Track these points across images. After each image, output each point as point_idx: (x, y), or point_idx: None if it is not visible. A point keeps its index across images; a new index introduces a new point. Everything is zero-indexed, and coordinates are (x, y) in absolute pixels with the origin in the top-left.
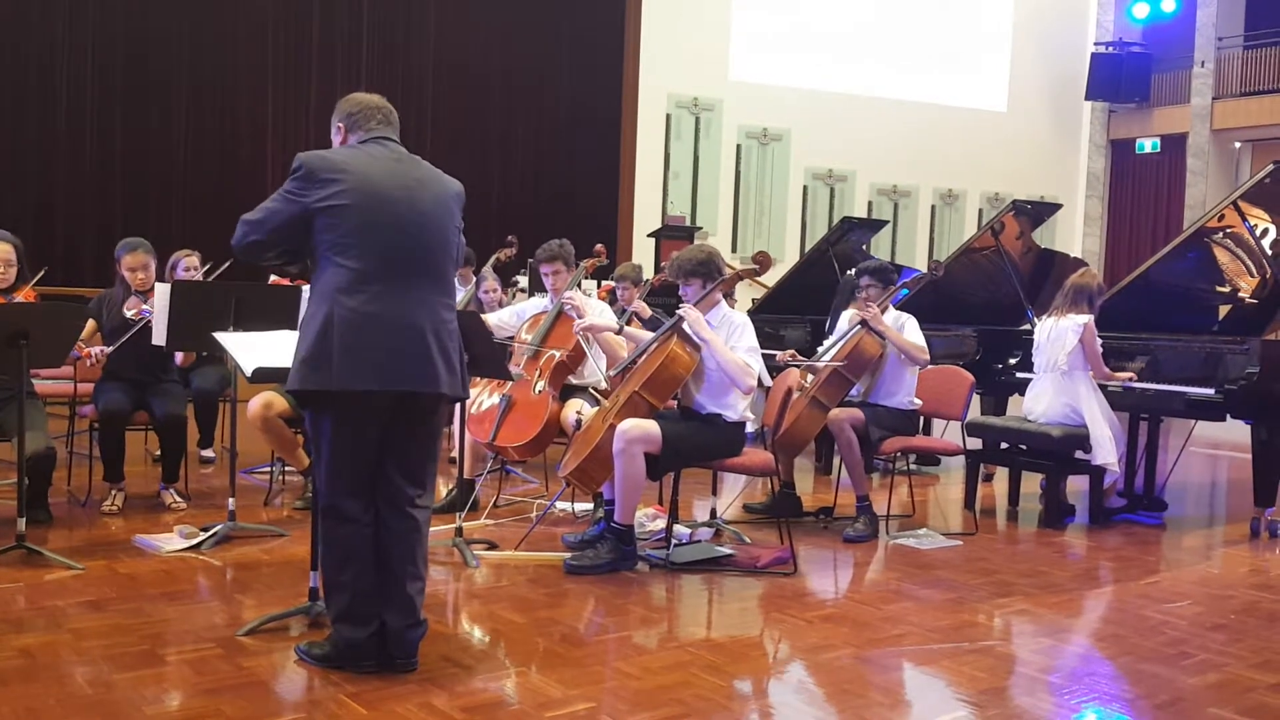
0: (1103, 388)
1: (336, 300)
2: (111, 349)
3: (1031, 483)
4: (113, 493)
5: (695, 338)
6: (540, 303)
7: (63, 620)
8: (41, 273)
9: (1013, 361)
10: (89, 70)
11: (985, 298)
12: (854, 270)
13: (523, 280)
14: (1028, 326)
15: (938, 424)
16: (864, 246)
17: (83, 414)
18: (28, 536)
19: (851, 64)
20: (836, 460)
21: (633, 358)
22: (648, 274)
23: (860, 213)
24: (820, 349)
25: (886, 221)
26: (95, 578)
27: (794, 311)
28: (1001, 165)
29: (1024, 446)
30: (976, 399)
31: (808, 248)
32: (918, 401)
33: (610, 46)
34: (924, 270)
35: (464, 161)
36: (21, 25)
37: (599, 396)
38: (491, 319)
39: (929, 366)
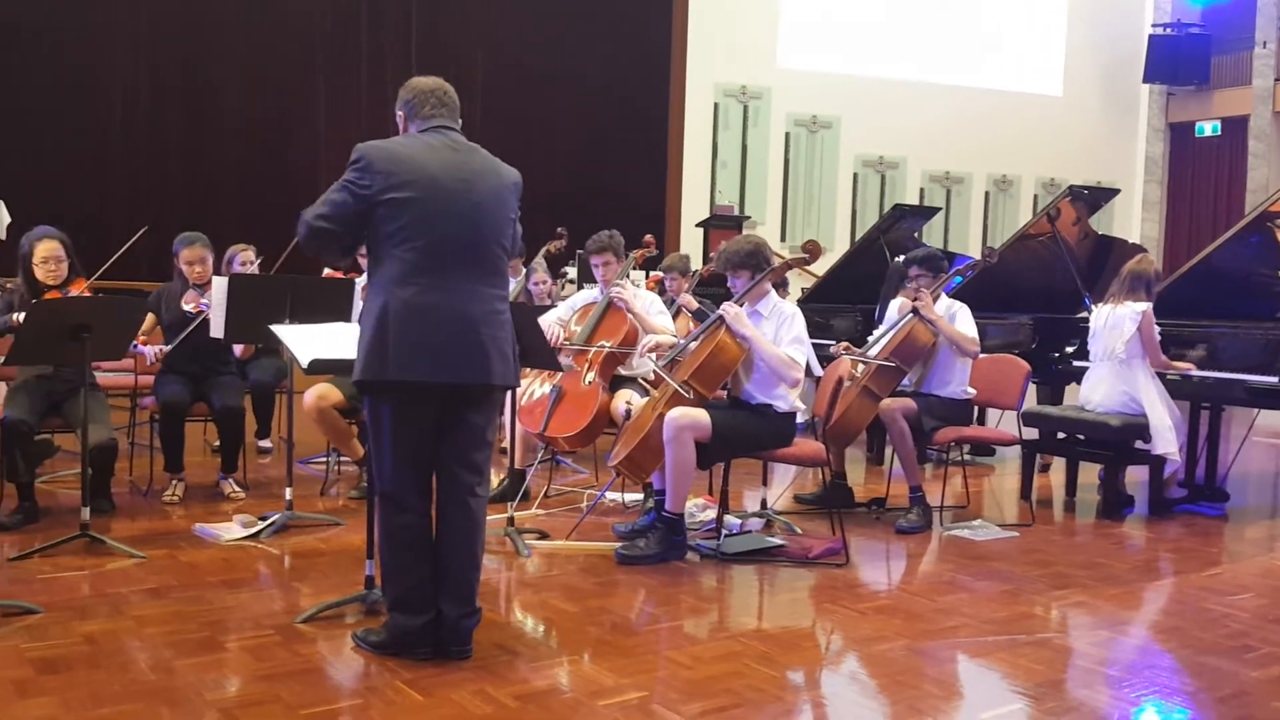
0: (1161, 376)
1: (392, 292)
2: (170, 347)
3: (1089, 473)
4: (173, 483)
5: (738, 335)
6: (589, 294)
7: (125, 607)
8: (110, 263)
9: (1069, 350)
10: (143, 69)
11: (1040, 285)
12: (902, 258)
13: (572, 271)
14: (1085, 314)
15: (992, 414)
16: (916, 234)
17: (143, 406)
18: (91, 525)
19: (902, 49)
20: (888, 451)
21: (681, 348)
22: (696, 264)
23: (912, 200)
24: (871, 338)
25: (939, 208)
26: (157, 566)
27: (844, 301)
28: (1057, 150)
29: (1081, 436)
30: (1032, 388)
31: (858, 236)
32: (972, 391)
33: (657, 36)
34: (977, 257)
35: (511, 154)
36: (76, 25)
37: (648, 387)
38: (544, 322)
39: (983, 355)
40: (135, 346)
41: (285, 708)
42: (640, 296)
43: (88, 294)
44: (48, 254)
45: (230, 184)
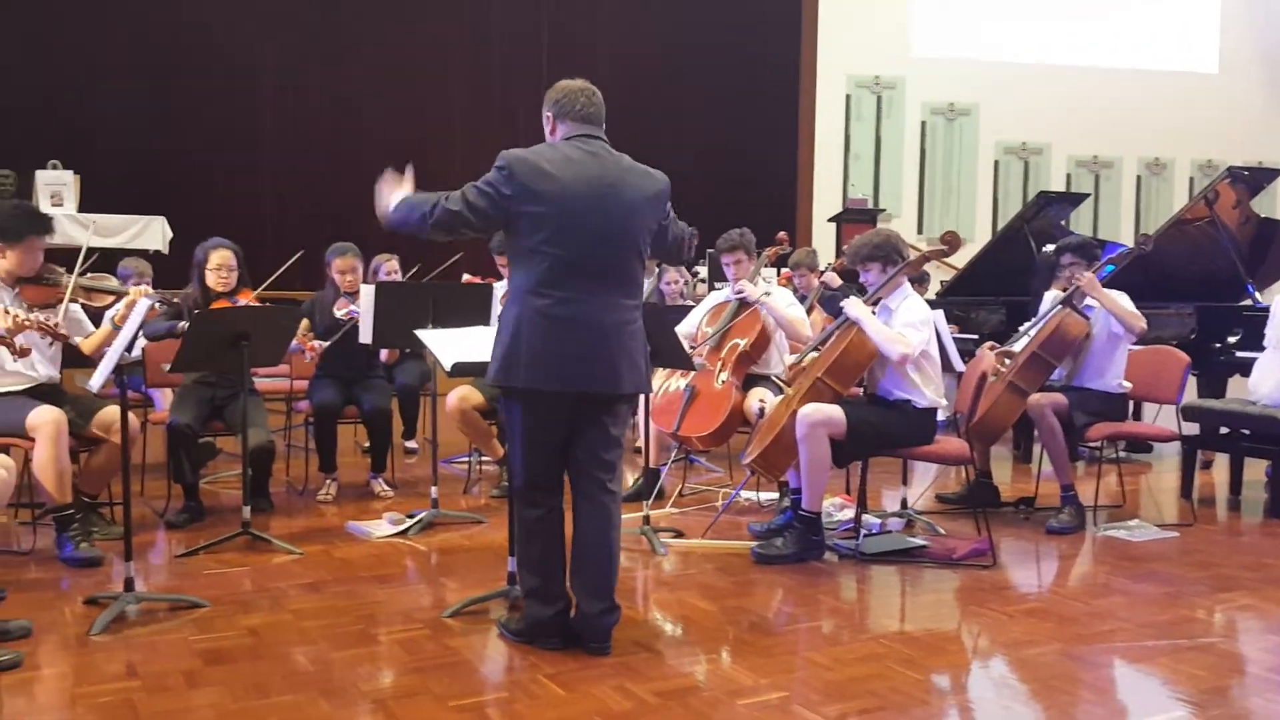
0: None
1: (528, 301)
2: (328, 343)
3: (1255, 469)
4: (327, 482)
5: (852, 318)
6: (721, 294)
7: (285, 601)
8: (273, 279)
9: (1232, 340)
10: (289, 93)
11: (1198, 272)
12: (1052, 247)
13: (703, 270)
14: (1248, 302)
15: (1149, 408)
16: (1063, 222)
17: (298, 409)
18: (252, 523)
19: (1043, 32)
20: (1037, 448)
21: (814, 345)
22: (828, 258)
23: (1058, 187)
24: (1019, 331)
25: (1087, 195)
26: (313, 562)
27: (987, 293)
28: (1213, 130)
29: (1247, 431)
30: (1191, 381)
31: (1000, 226)
32: (1127, 384)
33: (786, 29)
34: (1130, 245)
35: (639, 154)
36: (226, 60)
37: (782, 385)
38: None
39: (1139, 347)
40: (296, 347)
41: (434, 699)
42: (775, 293)
43: (254, 303)
44: (221, 262)
45: (372, 197)
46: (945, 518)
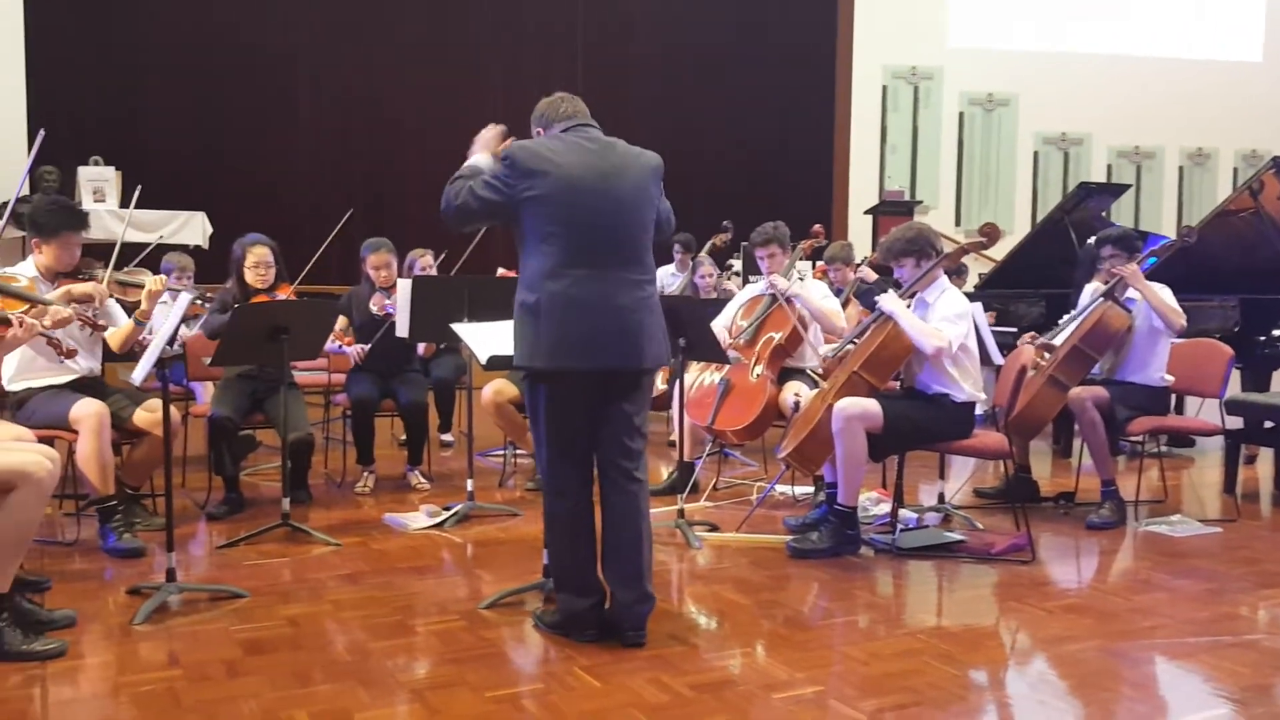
0: None
1: (543, 286)
2: (369, 345)
3: None
4: (364, 475)
5: (887, 312)
6: (756, 288)
7: (323, 592)
8: (310, 265)
9: (1277, 332)
10: (328, 90)
11: (1242, 264)
12: (1094, 240)
13: (737, 264)
14: None
15: (1192, 402)
16: (1104, 214)
17: (336, 402)
18: (291, 515)
19: (1083, 20)
20: (1077, 442)
21: (849, 339)
22: (864, 252)
23: (1098, 178)
24: (1059, 324)
25: (1129, 185)
26: (351, 553)
27: (1027, 285)
28: (1258, 120)
29: None
30: (1235, 374)
31: (1039, 217)
32: (1169, 378)
33: (821, 20)
34: (1173, 237)
35: (674, 147)
36: (265, 54)
37: (818, 379)
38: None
39: (1181, 340)
40: (339, 348)
41: (471, 690)
42: (809, 286)
43: (293, 298)
44: (258, 259)
45: (409, 191)
46: (983, 512)
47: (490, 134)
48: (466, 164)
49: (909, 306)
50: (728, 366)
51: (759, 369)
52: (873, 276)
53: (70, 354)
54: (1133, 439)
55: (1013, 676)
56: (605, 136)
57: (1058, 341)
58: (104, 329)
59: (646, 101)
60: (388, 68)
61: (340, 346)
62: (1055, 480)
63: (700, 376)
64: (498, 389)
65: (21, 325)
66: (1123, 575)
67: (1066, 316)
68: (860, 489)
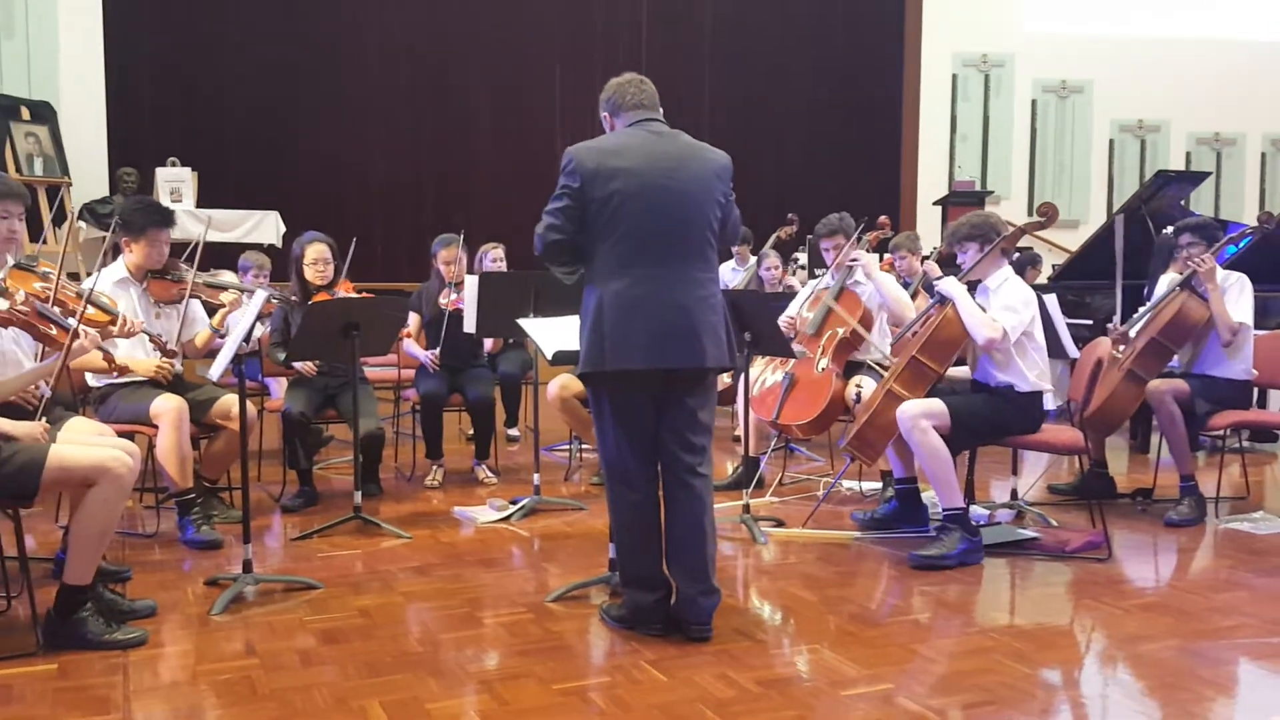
0: None
1: (606, 285)
2: (438, 350)
3: None
4: (433, 469)
5: (946, 295)
6: (820, 281)
7: (394, 583)
8: (347, 265)
9: None
10: (399, 85)
11: None
12: (1172, 229)
13: (803, 257)
14: None
15: (1275, 395)
16: (1182, 202)
17: (406, 398)
18: (363, 508)
19: (1160, 3)
20: (1155, 437)
21: (912, 325)
22: (933, 243)
23: (1176, 165)
24: (1135, 316)
25: (1208, 173)
26: (421, 545)
27: (1103, 276)
28: None
29: None
30: None
31: (1116, 206)
32: (1253, 371)
33: (890, 8)
34: (1253, 224)
35: (739, 140)
36: (336, 49)
37: (882, 371)
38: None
39: (1264, 332)
40: (413, 351)
41: (538, 682)
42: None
43: (354, 294)
44: (317, 256)
45: (479, 186)
46: (1058, 509)
47: None
48: None
49: (972, 293)
50: (792, 362)
51: (824, 362)
52: (937, 272)
53: (123, 372)
54: (1213, 434)
55: (1088, 676)
56: (670, 129)
57: (1133, 334)
58: (175, 354)
59: (710, 92)
60: (458, 64)
61: (415, 351)
62: (1132, 476)
63: (763, 375)
64: (563, 384)
65: (86, 336)
66: (1202, 573)
67: (1143, 308)
68: (957, 486)
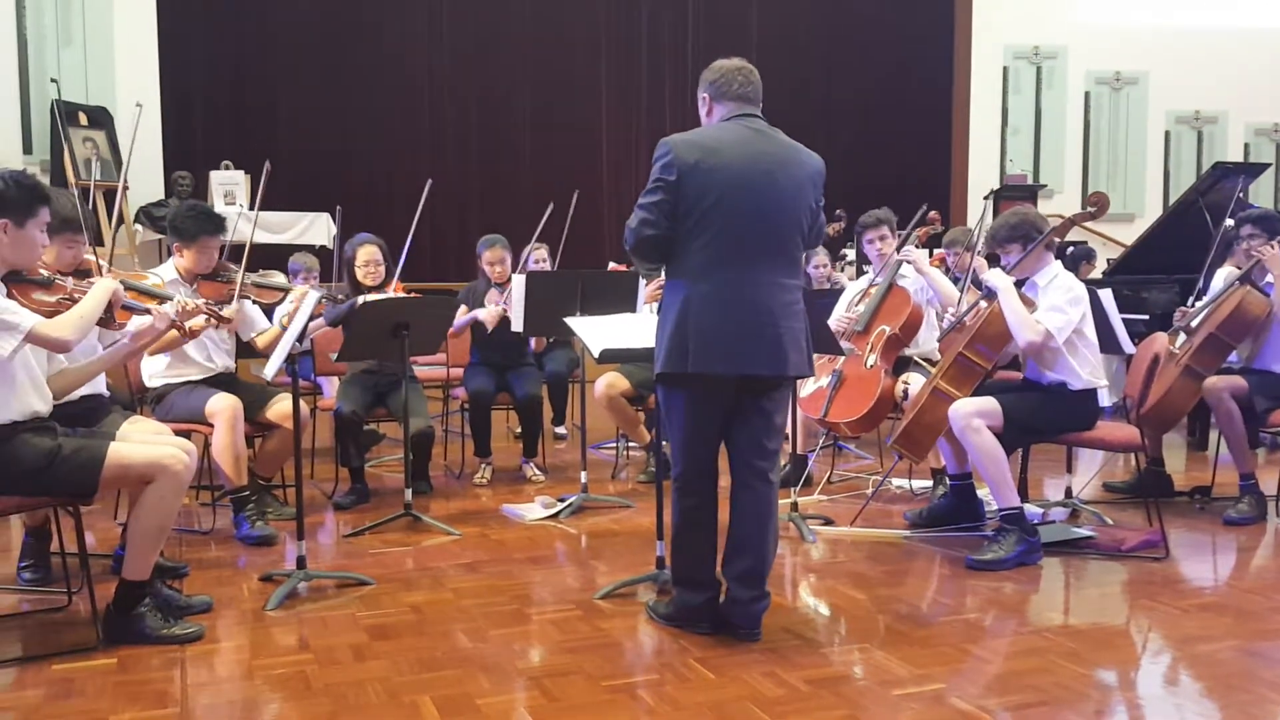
0: None
1: (693, 285)
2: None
3: None
4: (482, 466)
5: (992, 287)
6: (868, 279)
7: (444, 580)
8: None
9: None
10: (446, 91)
11: None
12: (1231, 221)
13: (850, 254)
14: None
15: None
16: (1240, 194)
17: (454, 396)
18: (413, 505)
19: None
20: (1214, 434)
21: (960, 318)
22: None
23: (1235, 157)
24: (1192, 310)
25: (1267, 165)
26: (470, 542)
27: (1159, 271)
28: None
29: None
30: None
31: (1172, 199)
32: None
33: (939, 2)
34: None
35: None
36: (385, 54)
37: (930, 368)
38: (832, 323)
39: None
40: (461, 322)
41: (587, 678)
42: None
43: (403, 295)
44: (368, 258)
45: (523, 187)
46: (1113, 507)
47: None
48: None
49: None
50: (841, 360)
51: (873, 358)
52: (986, 269)
53: (194, 334)
54: (1273, 430)
55: (1144, 677)
56: (770, 127)
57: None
58: (228, 321)
59: (761, 85)
60: (505, 68)
61: (468, 317)
62: (1190, 474)
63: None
64: (610, 382)
65: (158, 315)
66: (1262, 573)
67: (1200, 303)
68: (1013, 485)
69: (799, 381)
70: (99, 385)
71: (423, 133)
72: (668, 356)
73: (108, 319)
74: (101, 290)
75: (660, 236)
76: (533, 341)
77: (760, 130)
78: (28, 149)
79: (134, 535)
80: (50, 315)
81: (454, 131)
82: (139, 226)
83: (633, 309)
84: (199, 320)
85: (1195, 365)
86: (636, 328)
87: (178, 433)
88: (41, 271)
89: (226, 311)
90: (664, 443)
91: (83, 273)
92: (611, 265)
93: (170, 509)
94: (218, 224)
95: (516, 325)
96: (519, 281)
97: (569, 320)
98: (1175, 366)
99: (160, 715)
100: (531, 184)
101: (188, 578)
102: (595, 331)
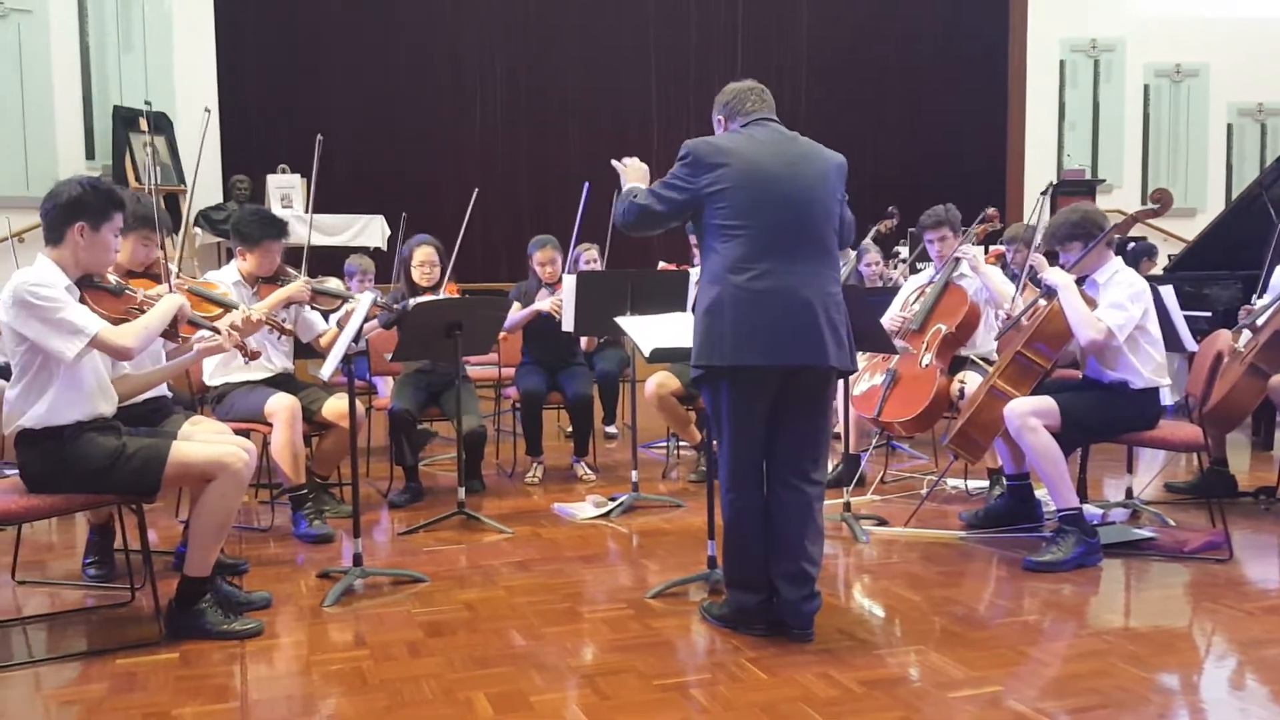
0: None
1: (727, 279)
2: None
3: None
4: (534, 465)
5: (1052, 285)
6: (923, 276)
7: (497, 578)
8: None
9: None
10: (497, 93)
11: None
12: None
13: (904, 251)
14: None
15: None
16: None
17: (506, 395)
18: (466, 504)
19: None
20: (1279, 434)
21: (1016, 319)
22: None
23: None
24: (1256, 308)
25: None
26: (522, 541)
27: (1222, 266)
28: None
29: None
30: None
31: (1235, 194)
32: None
33: None
34: None
35: (839, 133)
36: (437, 58)
37: (988, 367)
38: (886, 321)
39: None
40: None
41: (639, 677)
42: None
43: (458, 295)
44: (424, 258)
45: (574, 187)
46: (1175, 508)
47: (638, 169)
48: (626, 186)
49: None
50: (895, 359)
51: (928, 358)
52: (1045, 266)
53: (254, 356)
54: None
55: (1208, 681)
56: (788, 130)
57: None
58: (291, 333)
59: (813, 85)
60: (555, 69)
61: (523, 311)
62: (1255, 474)
63: (864, 371)
64: (660, 382)
65: (226, 335)
66: None
67: (1264, 300)
68: (1072, 485)
69: (853, 379)
70: (161, 387)
71: (473, 133)
72: (702, 349)
73: (171, 332)
74: (168, 304)
75: (663, 215)
76: (583, 341)
77: (778, 130)
78: (90, 154)
79: (195, 532)
80: (117, 323)
81: (505, 132)
82: (198, 230)
83: (683, 308)
84: (255, 344)
85: (1260, 363)
86: (687, 327)
87: (238, 432)
88: (111, 279)
89: (288, 325)
90: (714, 442)
91: (153, 275)
92: (661, 264)
93: (230, 507)
94: (280, 228)
95: (567, 325)
96: (570, 282)
97: (620, 320)
98: (1239, 364)
99: (221, 709)
100: (580, 185)
101: (247, 574)
102: (646, 331)
